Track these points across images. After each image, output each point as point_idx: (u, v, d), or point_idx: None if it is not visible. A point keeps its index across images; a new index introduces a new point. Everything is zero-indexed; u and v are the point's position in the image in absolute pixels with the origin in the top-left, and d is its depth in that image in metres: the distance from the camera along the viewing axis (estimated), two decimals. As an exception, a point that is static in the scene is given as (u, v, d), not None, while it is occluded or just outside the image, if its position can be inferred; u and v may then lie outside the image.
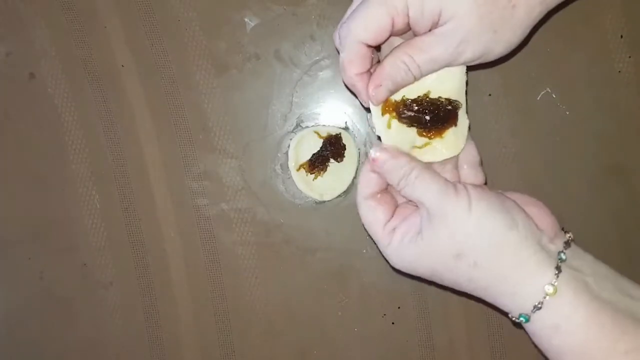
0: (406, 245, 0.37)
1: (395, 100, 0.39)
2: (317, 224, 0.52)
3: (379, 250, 0.40)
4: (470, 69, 0.39)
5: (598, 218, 0.51)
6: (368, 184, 0.40)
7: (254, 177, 0.52)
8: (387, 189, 0.41)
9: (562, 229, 0.38)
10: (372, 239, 0.41)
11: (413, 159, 0.38)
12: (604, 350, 0.33)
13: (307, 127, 0.51)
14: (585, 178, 0.51)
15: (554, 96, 0.50)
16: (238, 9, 0.50)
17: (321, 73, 0.51)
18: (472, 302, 0.51)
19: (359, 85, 0.37)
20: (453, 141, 0.40)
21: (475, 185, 0.37)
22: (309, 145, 0.51)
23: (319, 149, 0.50)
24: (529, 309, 0.34)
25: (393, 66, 0.36)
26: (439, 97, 0.38)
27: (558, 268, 0.34)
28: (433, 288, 0.51)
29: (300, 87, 0.51)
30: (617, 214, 0.51)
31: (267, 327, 0.52)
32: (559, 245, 0.36)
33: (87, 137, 0.52)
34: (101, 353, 0.54)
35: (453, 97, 0.39)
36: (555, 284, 0.34)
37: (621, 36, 0.49)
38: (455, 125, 0.39)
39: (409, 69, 0.36)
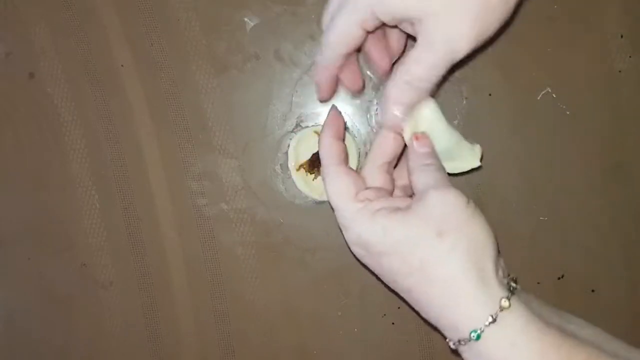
0: (383, 214, 0.35)
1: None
2: (317, 224, 0.52)
3: (340, 223, 0.37)
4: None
5: (598, 218, 0.51)
6: (337, 151, 0.38)
7: (253, 177, 0.52)
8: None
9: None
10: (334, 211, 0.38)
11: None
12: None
13: (307, 127, 0.51)
14: (585, 178, 0.50)
15: (554, 96, 0.50)
16: (238, 9, 0.50)
17: (321, 73, 0.51)
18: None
19: (324, 86, 0.39)
20: None
21: None
22: (308, 145, 0.51)
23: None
24: (483, 322, 0.32)
25: (396, 89, 0.35)
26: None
27: (510, 288, 0.33)
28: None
29: (300, 87, 0.51)
30: (617, 214, 0.51)
31: (267, 327, 0.52)
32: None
33: (86, 137, 0.52)
34: (101, 353, 0.54)
35: (431, 125, 0.38)
36: (509, 299, 0.32)
37: (621, 36, 0.49)
38: None
39: (413, 84, 0.34)
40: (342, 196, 0.37)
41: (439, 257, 0.33)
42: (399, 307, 0.52)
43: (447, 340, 0.35)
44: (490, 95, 0.50)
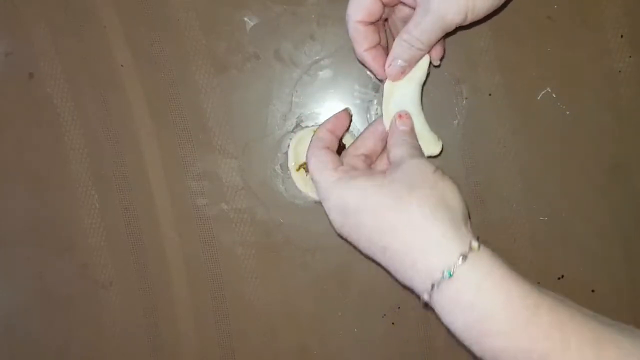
0: (361, 179, 0.38)
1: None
2: (317, 224, 0.52)
3: (321, 196, 0.40)
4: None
5: (598, 218, 0.51)
6: (328, 139, 0.43)
7: (253, 177, 0.52)
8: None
9: None
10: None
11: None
12: (528, 306, 0.33)
13: (307, 127, 0.51)
14: (585, 178, 0.50)
15: (554, 96, 0.50)
16: (238, 9, 0.50)
17: (321, 73, 0.51)
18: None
19: (368, 60, 0.42)
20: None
21: None
22: (308, 145, 0.50)
23: (318, 149, 0.50)
24: (455, 261, 0.34)
25: (400, 44, 0.40)
26: None
27: (477, 239, 0.36)
28: (433, 288, 0.52)
29: (300, 87, 0.51)
30: (617, 214, 0.51)
31: (267, 327, 0.52)
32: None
33: (86, 136, 0.52)
34: (101, 353, 0.54)
35: (410, 104, 0.44)
36: (479, 243, 0.35)
37: (621, 36, 0.49)
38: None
39: (413, 44, 0.40)
40: (323, 169, 0.40)
41: (412, 208, 0.36)
42: (399, 307, 0.52)
43: (422, 294, 0.36)
44: (490, 95, 0.50)
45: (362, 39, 0.41)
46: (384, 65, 0.42)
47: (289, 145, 0.51)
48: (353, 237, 0.39)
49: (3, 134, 0.52)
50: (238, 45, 0.51)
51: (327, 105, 0.51)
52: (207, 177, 0.52)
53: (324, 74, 0.51)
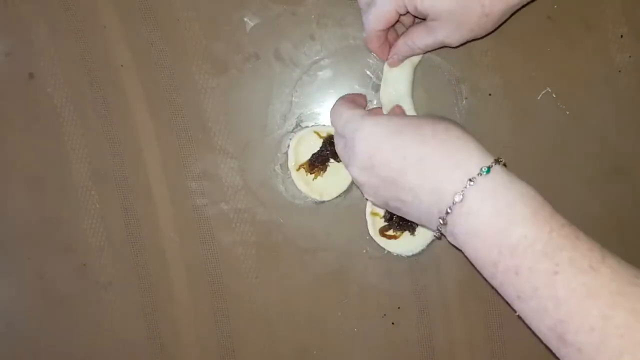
0: (387, 118, 0.43)
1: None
2: (317, 224, 0.52)
3: (352, 129, 0.42)
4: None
5: (598, 218, 0.51)
6: (352, 97, 0.48)
7: (253, 177, 0.52)
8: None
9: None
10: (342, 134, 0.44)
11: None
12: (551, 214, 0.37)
13: (307, 127, 0.51)
14: (585, 178, 0.50)
15: (554, 96, 0.50)
16: (238, 9, 0.50)
17: (321, 73, 0.51)
18: (472, 302, 0.51)
19: (377, 52, 0.48)
20: None
21: None
22: (308, 145, 0.51)
23: (318, 149, 0.50)
24: (491, 161, 0.38)
25: (403, 46, 0.47)
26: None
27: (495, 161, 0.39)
28: (433, 288, 0.52)
29: (300, 87, 0.51)
30: (617, 214, 0.51)
31: (267, 327, 0.53)
32: None
33: (86, 137, 0.52)
34: (101, 353, 0.54)
35: (403, 84, 0.49)
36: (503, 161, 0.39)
37: (621, 36, 0.49)
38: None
39: (413, 49, 0.47)
40: (352, 108, 0.44)
41: (447, 124, 0.40)
42: (399, 307, 0.52)
43: (446, 213, 0.38)
44: (490, 95, 0.50)
45: (377, 40, 0.47)
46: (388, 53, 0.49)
47: (289, 145, 0.51)
48: (384, 161, 0.40)
49: (3, 134, 0.52)
50: (238, 45, 0.51)
51: (327, 105, 0.51)
52: (207, 177, 0.52)
53: (324, 74, 0.51)
